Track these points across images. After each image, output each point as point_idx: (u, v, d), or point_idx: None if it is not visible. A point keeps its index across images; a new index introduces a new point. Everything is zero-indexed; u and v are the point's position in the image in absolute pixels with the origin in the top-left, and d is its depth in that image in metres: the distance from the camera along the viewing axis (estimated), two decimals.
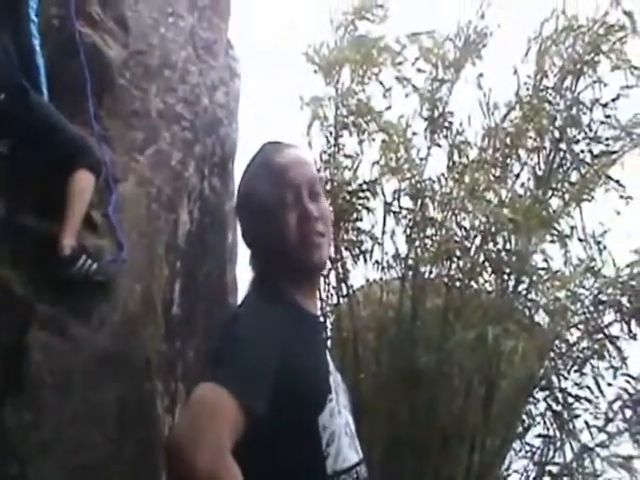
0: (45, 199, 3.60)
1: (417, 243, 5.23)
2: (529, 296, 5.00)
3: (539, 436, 5.12)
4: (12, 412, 3.25)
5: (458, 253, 5.13)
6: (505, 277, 4.96)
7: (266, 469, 1.67)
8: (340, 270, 5.37)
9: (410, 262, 5.25)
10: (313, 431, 1.75)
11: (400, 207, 5.31)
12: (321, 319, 2.12)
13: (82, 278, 3.56)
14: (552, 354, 4.97)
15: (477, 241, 5.07)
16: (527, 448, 5.18)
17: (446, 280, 5.22)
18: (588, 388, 4.94)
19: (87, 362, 3.50)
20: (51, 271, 3.49)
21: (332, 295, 5.44)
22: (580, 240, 4.98)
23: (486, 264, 5.05)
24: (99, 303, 3.68)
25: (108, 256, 3.75)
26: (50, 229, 3.52)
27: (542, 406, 5.04)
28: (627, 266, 4.80)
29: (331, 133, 5.39)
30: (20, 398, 3.28)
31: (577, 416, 4.96)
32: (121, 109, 4.08)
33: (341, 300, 5.44)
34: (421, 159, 5.30)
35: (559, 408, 4.96)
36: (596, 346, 4.87)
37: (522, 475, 5.14)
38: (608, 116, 4.99)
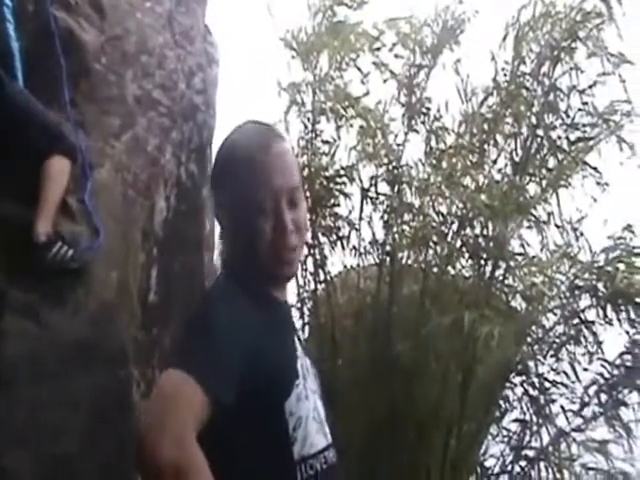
0: (20, 185, 3.59)
1: (394, 229, 5.22)
2: (506, 281, 5.02)
3: (516, 421, 5.15)
4: None
5: (435, 239, 5.14)
6: (482, 263, 4.97)
7: (233, 455, 1.68)
8: (317, 256, 5.37)
9: (387, 248, 5.25)
10: (279, 417, 1.75)
11: (377, 193, 5.30)
12: (289, 304, 2.08)
13: (57, 264, 3.55)
14: (529, 339, 5.00)
15: (454, 227, 5.08)
16: (504, 433, 5.21)
17: (423, 266, 5.22)
18: (564, 373, 4.96)
19: (62, 349, 3.50)
20: (26, 257, 3.48)
21: (309, 281, 5.45)
22: (557, 226, 4.99)
23: (463, 250, 5.06)
24: (74, 290, 3.67)
25: (84, 242, 3.74)
26: (25, 215, 3.51)
27: (519, 391, 5.07)
28: (602, 251, 4.82)
29: (309, 119, 5.37)
30: None
31: (553, 401, 4.99)
32: (97, 94, 4.05)
33: (318, 286, 5.45)
34: (398, 145, 5.29)
35: (535, 393, 4.98)
36: (572, 331, 4.89)
37: (499, 459, 5.16)
38: (585, 103, 5.00)
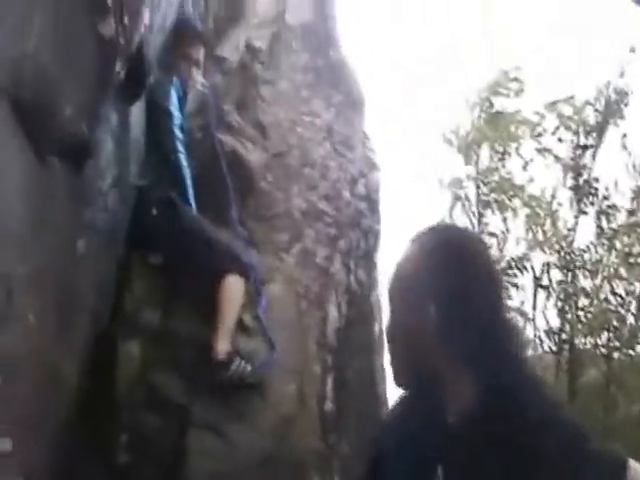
0: (198, 306, 3.73)
1: (570, 316, 5.11)
2: None
3: None
4: None
5: (615, 322, 5.00)
6: None
7: None
8: None
9: (564, 336, 5.13)
10: None
11: (550, 280, 5.21)
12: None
13: (237, 380, 3.66)
14: None
15: (634, 308, 4.93)
16: None
17: (604, 351, 5.08)
18: None
19: (244, 464, 3.57)
20: (207, 375, 3.60)
21: None
22: None
23: None
24: (254, 404, 3.75)
25: (261, 357, 3.84)
26: (204, 334, 3.63)
27: None
28: None
29: (474, 213, 5.37)
30: None
31: None
32: (265, 211, 4.19)
33: None
34: (568, 229, 5.20)
35: None
36: None
37: None
38: None
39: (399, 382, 1.76)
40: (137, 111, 3.71)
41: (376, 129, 5.42)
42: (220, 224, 3.97)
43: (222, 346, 3.64)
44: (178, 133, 3.89)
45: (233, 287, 3.79)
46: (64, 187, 2.78)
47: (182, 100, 3.99)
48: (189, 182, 3.88)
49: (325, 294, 4.36)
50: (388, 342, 1.80)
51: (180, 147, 3.88)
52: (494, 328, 1.65)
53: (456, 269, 1.73)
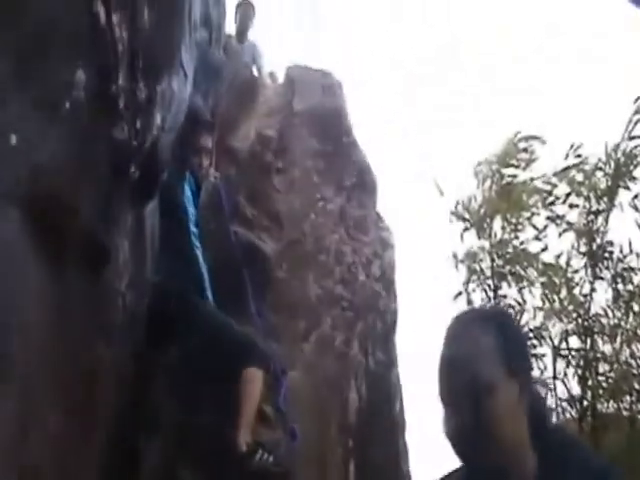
0: (218, 399, 3.75)
1: (591, 382, 5.09)
2: None
3: None
4: None
5: (636, 385, 4.97)
6: None
7: None
8: None
9: (586, 402, 5.11)
10: None
11: (569, 348, 5.20)
12: None
13: (260, 472, 3.67)
14: None
15: None
16: None
17: (627, 414, 5.05)
18: None
19: None
20: (230, 468, 3.61)
21: None
22: None
23: None
24: None
25: (283, 447, 3.85)
26: (225, 427, 3.65)
27: None
28: None
29: (489, 286, 5.37)
30: None
31: None
32: (282, 301, 4.24)
33: None
34: (584, 295, 5.19)
35: None
36: None
37: None
38: None
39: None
40: (150, 206, 3.77)
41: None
42: (238, 316, 4.00)
43: (244, 438, 3.66)
44: (193, 228, 3.95)
45: (252, 379, 3.81)
46: (82, 290, 2.82)
47: (195, 194, 4.05)
48: (206, 276, 3.93)
49: (344, 378, 4.40)
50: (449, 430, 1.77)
51: (195, 242, 3.93)
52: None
53: (514, 337, 1.81)
